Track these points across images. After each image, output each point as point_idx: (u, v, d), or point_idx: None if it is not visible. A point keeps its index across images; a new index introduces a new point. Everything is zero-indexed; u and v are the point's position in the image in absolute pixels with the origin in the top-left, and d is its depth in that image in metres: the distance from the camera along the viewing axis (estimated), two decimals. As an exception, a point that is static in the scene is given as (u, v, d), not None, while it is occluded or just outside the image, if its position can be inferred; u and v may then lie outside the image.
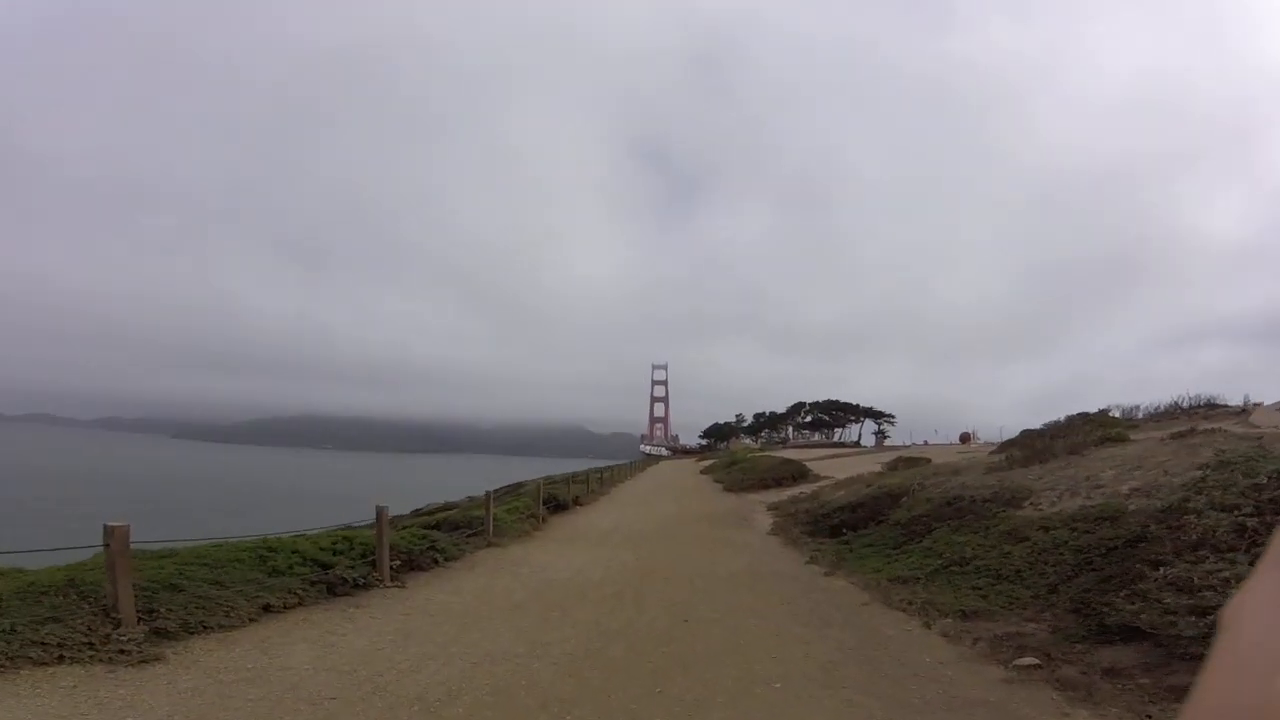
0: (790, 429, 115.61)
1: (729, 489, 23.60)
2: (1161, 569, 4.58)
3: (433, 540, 9.27)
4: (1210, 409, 18.34)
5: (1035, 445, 12.36)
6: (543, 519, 13.60)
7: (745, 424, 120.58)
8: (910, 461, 19.53)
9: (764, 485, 22.24)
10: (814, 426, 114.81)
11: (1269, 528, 4.55)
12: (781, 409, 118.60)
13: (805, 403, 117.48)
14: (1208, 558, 4.45)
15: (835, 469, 27.86)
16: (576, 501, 17.62)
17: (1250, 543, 4.50)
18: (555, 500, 15.83)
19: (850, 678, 4.43)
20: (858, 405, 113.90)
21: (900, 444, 77.77)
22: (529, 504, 14.01)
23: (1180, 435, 10.83)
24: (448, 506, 21.33)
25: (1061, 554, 6.83)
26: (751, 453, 56.87)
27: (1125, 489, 7.87)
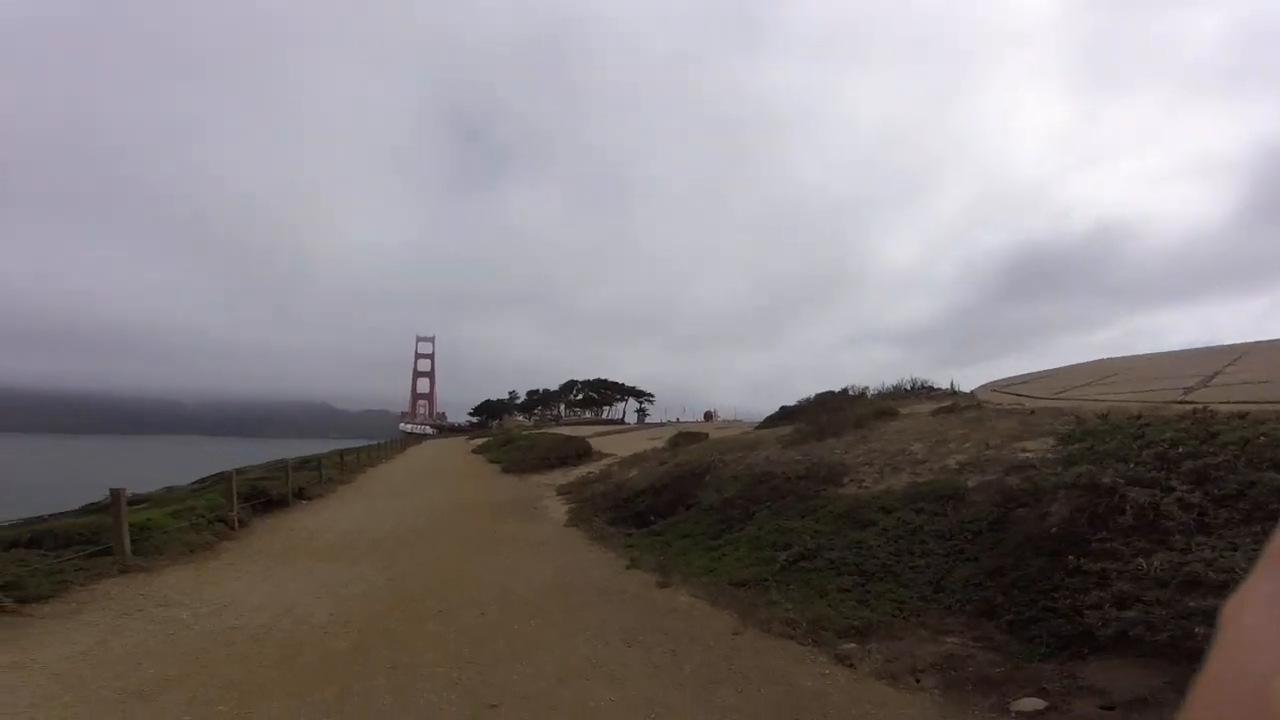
0: (562, 407, 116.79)
1: (508, 470, 20.97)
2: (1138, 559, 3.52)
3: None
4: (928, 390, 21.65)
5: (820, 419, 12.42)
6: (237, 522, 9.42)
7: (518, 401, 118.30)
8: (690, 436, 19.31)
9: (548, 465, 20.14)
10: (584, 404, 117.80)
11: (1216, 503, 3.80)
12: (554, 387, 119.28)
13: (577, 381, 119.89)
14: (1178, 541, 3.50)
15: (615, 446, 27.12)
16: (301, 494, 13.27)
17: (1200, 521, 3.69)
18: (264, 495, 11.46)
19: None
20: (623, 384, 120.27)
21: (658, 421, 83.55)
22: (216, 502, 9.63)
23: (948, 410, 11.64)
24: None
25: (923, 541, 5.96)
26: (526, 430, 54.65)
27: (953, 464, 7.54)
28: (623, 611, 5.90)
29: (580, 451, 21.66)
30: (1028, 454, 6.59)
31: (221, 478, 16.00)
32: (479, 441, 46.62)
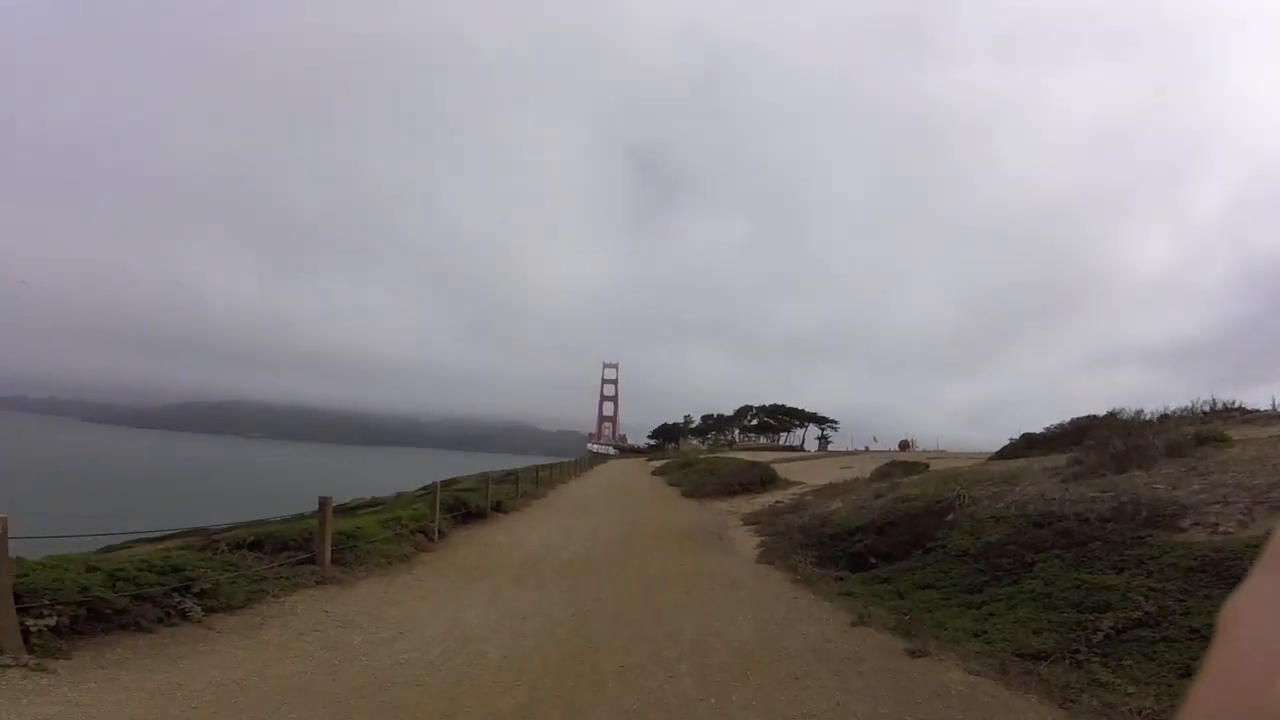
0: (736, 432, 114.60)
1: (689, 494, 19.94)
2: None
3: (186, 575, 5.06)
4: (1242, 412, 16.04)
5: (1114, 445, 9.21)
6: (438, 534, 9.45)
7: (693, 425, 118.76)
8: (906, 466, 16.38)
9: (729, 491, 18.68)
10: (760, 430, 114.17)
11: None
12: (728, 411, 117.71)
13: (752, 406, 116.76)
14: None
15: (801, 473, 24.71)
16: (499, 507, 13.49)
17: None
18: (464, 507, 11.66)
19: None
20: (803, 410, 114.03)
21: (843, 449, 76.75)
22: (421, 512, 9.82)
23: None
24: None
25: None
26: (701, 454, 53.79)
27: None
28: (865, 690, 4.23)
29: (765, 478, 19.84)
30: None
31: (451, 483, 17.01)
32: (658, 463, 46.76)
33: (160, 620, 4.72)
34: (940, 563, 7.19)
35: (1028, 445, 19.12)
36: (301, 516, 10.60)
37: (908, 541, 8.05)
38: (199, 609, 4.93)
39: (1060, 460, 10.13)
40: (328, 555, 6.59)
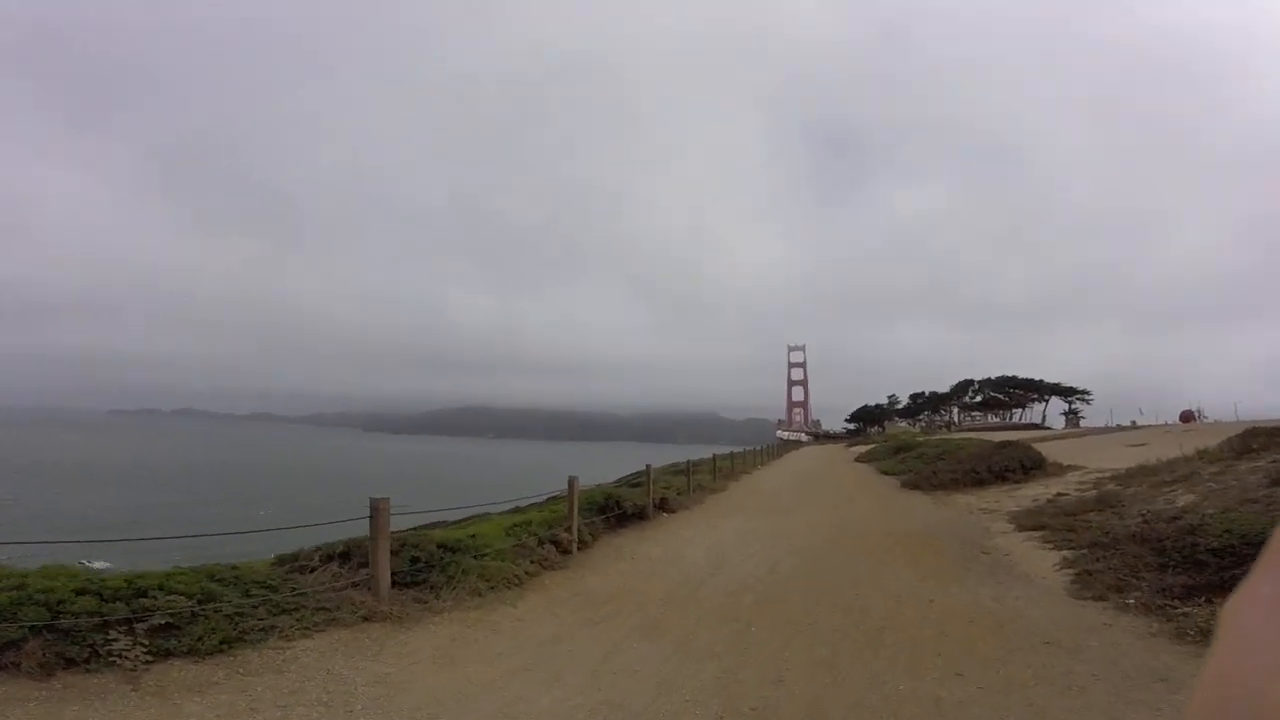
0: (955, 410, 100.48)
1: (912, 485, 15.59)
2: None
3: (144, 605, 3.33)
4: None
5: None
6: (576, 544, 7.24)
7: (899, 405, 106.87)
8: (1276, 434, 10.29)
9: (975, 481, 13.98)
10: (986, 407, 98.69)
11: None
12: (943, 388, 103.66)
13: (974, 380, 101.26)
14: None
15: (1067, 455, 18.51)
16: (663, 505, 11.10)
17: None
18: (619, 506, 9.42)
19: None
20: (1041, 381, 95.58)
21: (1100, 425, 61.66)
22: (558, 515, 7.72)
23: None
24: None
25: None
26: (917, 437, 46.24)
27: None
28: None
29: (1027, 462, 14.66)
30: None
31: (641, 477, 13.82)
32: (861, 449, 41.26)
33: (71, 663, 3.05)
34: None
35: None
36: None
37: None
38: (141, 651, 3.19)
39: None
40: (384, 580, 4.65)
